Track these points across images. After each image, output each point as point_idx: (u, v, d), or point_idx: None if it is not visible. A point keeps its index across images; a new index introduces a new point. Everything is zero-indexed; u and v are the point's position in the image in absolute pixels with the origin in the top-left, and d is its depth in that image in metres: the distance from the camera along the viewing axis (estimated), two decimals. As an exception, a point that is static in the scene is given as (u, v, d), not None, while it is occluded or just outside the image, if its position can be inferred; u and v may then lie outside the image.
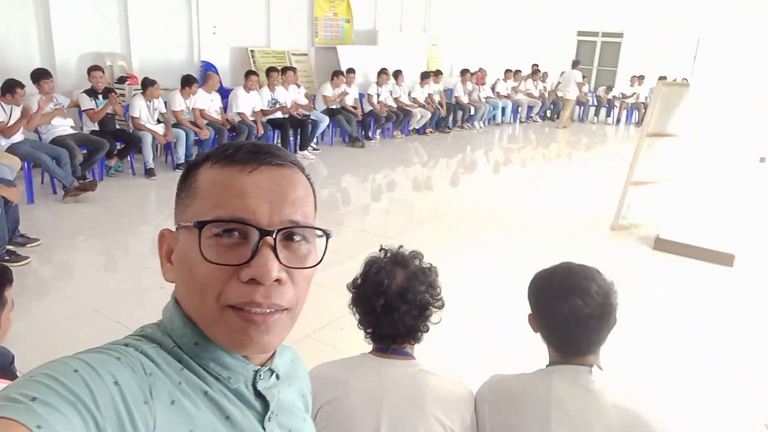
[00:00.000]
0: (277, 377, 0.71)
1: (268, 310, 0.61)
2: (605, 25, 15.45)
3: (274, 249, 0.60)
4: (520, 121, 12.61)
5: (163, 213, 5.54)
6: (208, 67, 7.88)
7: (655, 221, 4.98)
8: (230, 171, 0.62)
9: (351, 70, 8.91)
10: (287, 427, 0.70)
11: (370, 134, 9.25)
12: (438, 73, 10.71)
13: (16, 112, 5.21)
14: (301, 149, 7.85)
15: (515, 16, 14.32)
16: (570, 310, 1.28)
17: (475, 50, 12.79)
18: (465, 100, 11.01)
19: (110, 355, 0.55)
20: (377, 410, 1.28)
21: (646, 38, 14.32)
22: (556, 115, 13.03)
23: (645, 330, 3.33)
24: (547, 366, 1.38)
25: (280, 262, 0.61)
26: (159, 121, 6.53)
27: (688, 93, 4.59)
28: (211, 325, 0.62)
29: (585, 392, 1.27)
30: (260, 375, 0.67)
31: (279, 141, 7.68)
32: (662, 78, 10.09)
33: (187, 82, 6.73)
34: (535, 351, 1.50)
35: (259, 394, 0.67)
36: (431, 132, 10.43)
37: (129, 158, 6.47)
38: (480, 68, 11.57)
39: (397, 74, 9.81)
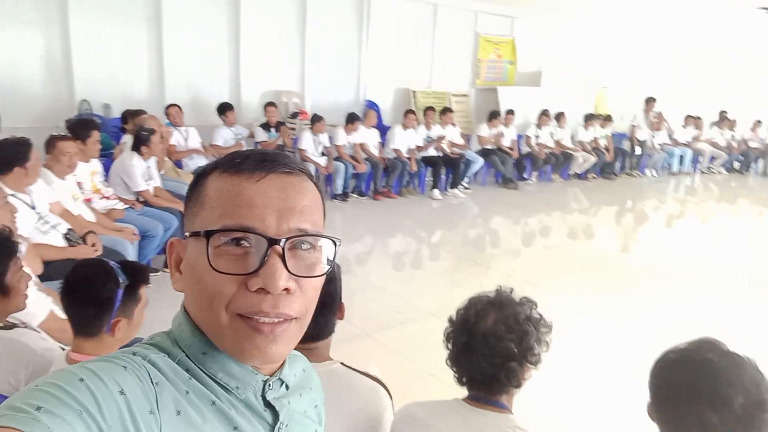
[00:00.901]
0: (287, 387, 0.70)
1: (276, 320, 0.60)
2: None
3: (282, 258, 0.60)
4: (701, 172, 11.30)
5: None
6: (371, 106, 8.28)
7: None
8: (238, 180, 0.62)
9: (510, 111, 8.75)
10: None
11: (525, 176, 8.94)
12: (607, 118, 10.07)
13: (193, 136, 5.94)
14: (452, 187, 7.82)
15: (700, 57, 13.05)
16: (698, 422, 0.97)
17: (650, 94, 11.83)
18: (649, 143, 10.18)
19: (116, 364, 0.55)
20: None
21: None
22: (745, 167, 11.46)
23: None
24: None
25: (289, 271, 0.60)
26: (323, 154, 6.98)
27: None
28: (219, 334, 0.61)
29: None
30: (269, 385, 0.66)
31: (431, 178, 7.75)
32: None
33: (350, 119, 7.14)
34: None
35: (268, 405, 0.66)
36: (594, 177, 9.77)
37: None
38: (658, 112, 10.66)
39: (560, 116, 9.42)
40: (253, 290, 0.59)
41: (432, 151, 7.79)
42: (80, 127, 4.02)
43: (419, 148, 7.70)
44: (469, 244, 6.06)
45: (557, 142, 9.34)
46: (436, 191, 7.58)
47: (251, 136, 6.81)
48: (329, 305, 1.35)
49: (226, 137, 6.43)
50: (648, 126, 10.21)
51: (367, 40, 8.42)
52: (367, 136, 7.40)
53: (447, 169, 7.79)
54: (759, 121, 12.11)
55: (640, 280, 4.83)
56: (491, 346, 1.19)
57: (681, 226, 7.56)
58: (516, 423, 1.22)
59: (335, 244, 0.66)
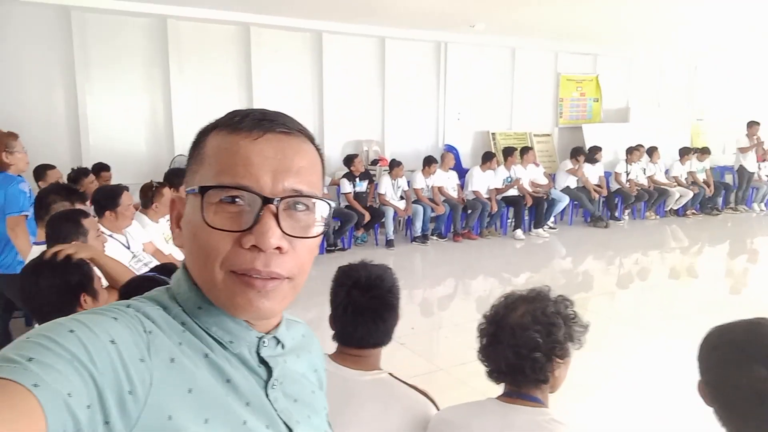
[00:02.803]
0: (283, 346, 0.70)
1: (267, 277, 0.61)
2: None
3: (276, 217, 0.60)
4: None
5: (400, 281, 5.83)
6: (449, 149, 8.35)
7: None
8: (236, 138, 0.62)
9: (596, 148, 8.46)
10: (293, 397, 0.69)
11: (616, 214, 8.50)
12: (704, 150, 9.45)
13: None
14: (535, 227, 7.60)
15: None
16: (749, 381, 0.94)
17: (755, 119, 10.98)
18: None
19: (107, 316, 0.56)
20: None
21: None
22: None
23: None
24: None
25: (283, 231, 0.60)
26: (401, 198, 7.08)
27: None
28: (214, 289, 0.62)
29: None
30: (264, 342, 0.67)
31: (513, 218, 7.59)
32: None
33: (427, 162, 7.23)
34: None
35: (263, 362, 0.67)
36: (694, 214, 9.10)
37: (374, 230, 7.08)
38: (761, 141, 9.85)
39: (652, 151, 8.96)
40: (246, 248, 0.60)
41: (513, 192, 7.66)
42: (174, 175, 4.39)
43: (499, 190, 7.60)
44: (557, 285, 5.79)
45: (650, 178, 8.86)
46: (518, 231, 7.40)
47: (334, 183, 7.06)
48: (390, 314, 1.38)
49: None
50: (753, 152, 9.41)
51: (444, 85, 8.59)
52: (444, 178, 7.44)
53: (531, 208, 7.60)
54: None
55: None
56: (517, 336, 1.19)
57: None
58: (552, 416, 1.19)
59: (330, 206, 0.66)
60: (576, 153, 8.24)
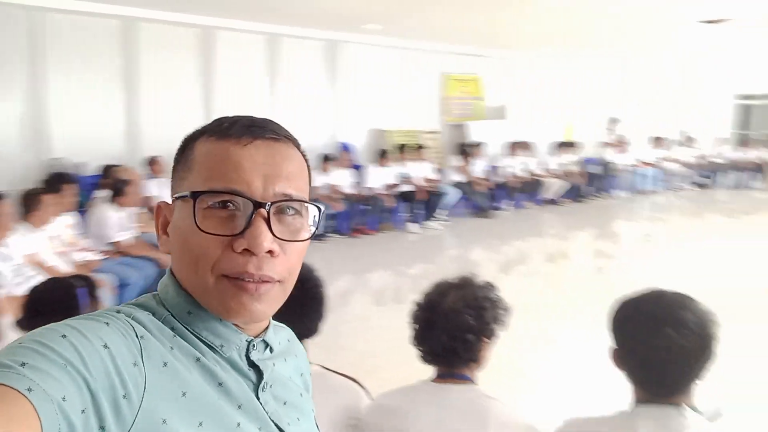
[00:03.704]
0: (271, 350, 0.71)
1: (260, 280, 0.62)
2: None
3: (267, 221, 0.61)
4: (671, 190, 11.63)
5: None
6: (344, 147, 8.48)
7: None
8: (226, 144, 0.63)
9: (477, 144, 9.03)
10: (282, 399, 0.70)
11: (499, 205, 9.14)
12: (574, 144, 10.44)
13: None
14: (428, 220, 7.97)
15: (662, 84, 13.63)
16: (662, 343, 1.12)
17: (615, 116, 12.25)
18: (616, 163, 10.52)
19: (99, 321, 0.56)
20: None
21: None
22: (712, 183, 11.87)
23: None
24: (631, 408, 1.20)
25: (273, 235, 0.61)
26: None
27: None
28: (205, 294, 0.63)
29: None
30: (253, 345, 0.67)
31: (408, 213, 7.89)
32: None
33: (324, 160, 7.31)
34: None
35: (252, 365, 0.67)
36: (566, 202, 10.02)
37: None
38: (620, 136, 11.05)
39: (528, 145, 9.74)
40: (238, 251, 0.61)
41: (406, 187, 7.97)
42: (55, 180, 4.10)
43: (394, 186, 7.87)
44: (449, 273, 6.14)
45: (528, 171, 9.62)
46: (413, 225, 7.71)
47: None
48: (312, 306, 1.42)
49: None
50: (612, 144, 10.56)
51: (335, 85, 8.70)
52: (341, 176, 7.57)
53: (423, 203, 7.95)
54: (722, 138, 12.60)
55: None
56: (451, 320, 1.29)
57: (655, 244, 7.74)
58: (483, 392, 1.30)
59: (320, 210, 0.67)
60: (463, 150, 8.76)
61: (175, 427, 0.55)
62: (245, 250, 0.60)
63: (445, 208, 8.41)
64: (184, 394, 0.57)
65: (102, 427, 0.49)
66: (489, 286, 1.39)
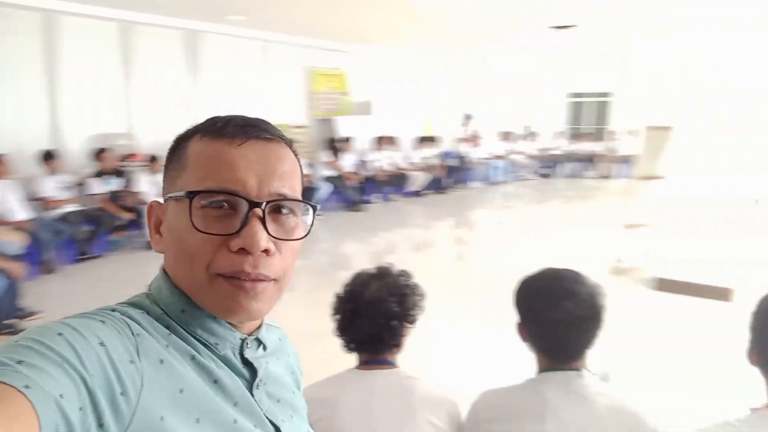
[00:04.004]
0: (264, 348, 0.72)
1: (256, 278, 0.62)
2: (595, 87, 15.99)
3: (262, 220, 0.62)
4: (518, 180, 12.82)
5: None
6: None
7: (653, 262, 4.98)
8: (220, 144, 0.64)
9: (346, 138, 9.23)
10: (276, 397, 0.71)
11: (368, 198, 9.42)
12: (434, 139, 11.06)
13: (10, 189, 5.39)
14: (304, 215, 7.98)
15: (507, 82, 14.89)
16: (561, 314, 1.28)
17: (466, 112, 13.17)
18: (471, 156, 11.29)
19: (94, 319, 0.56)
20: (368, 423, 1.29)
21: (634, 95, 14.78)
22: (552, 173, 13.32)
23: (644, 365, 3.27)
24: (537, 375, 1.36)
25: (269, 233, 0.62)
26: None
27: (672, 136, 4.74)
28: (201, 292, 0.63)
29: (578, 398, 1.26)
30: (247, 343, 0.68)
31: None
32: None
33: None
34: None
35: (246, 363, 0.68)
36: (429, 193, 10.62)
37: (133, 233, 6.58)
38: (474, 131, 11.93)
39: (394, 140, 10.13)
40: (233, 251, 0.61)
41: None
42: None
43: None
44: (325, 266, 6.26)
45: (394, 165, 10.02)
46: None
47: (81, 184, 6.32)
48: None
49: (50, 187, 5.92)
50: (466, 139, 11.40)
51: (196, 77, 8.31)
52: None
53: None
54: (559, 132, 14.14)
55: (487, 282, 5.40)
56: (375, 308, 1.36)
57: (505, 228, 8.52)
58: (406, 374, 1.39)
59: (314, 209, 0.69)
60: (333, 145, 8.89)
61: (173, 424, 0.55)
62: (241, 249, 0.61)
63: (318, 203, 8.47)
64: (181, 391, 0.57)
65: (101, 425, 0.49)
66: (406, 274, 1.47)
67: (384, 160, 9.83)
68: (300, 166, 0.71)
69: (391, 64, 11.53)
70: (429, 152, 10.79)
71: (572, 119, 16.61)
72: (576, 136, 14.21)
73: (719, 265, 4.49)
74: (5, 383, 0.44)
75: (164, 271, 0.68)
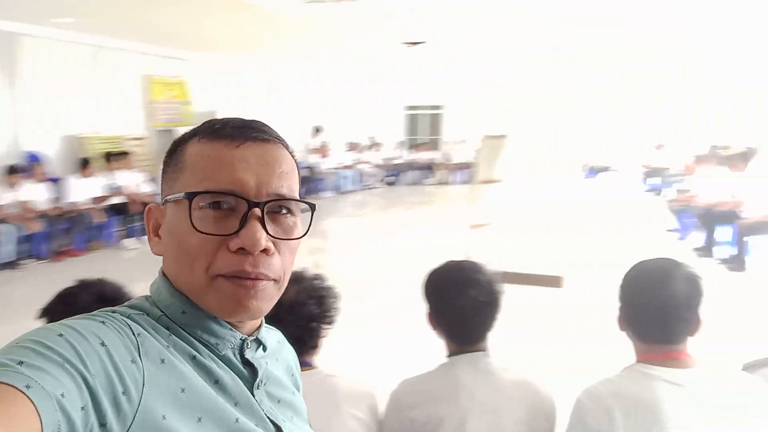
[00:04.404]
0: (264, 349, 0.72)
1: (256, 278, 0.63)
2: (429, 100, 17.20)
3: (261, 220, 0.63)
4: (365, 189, 13.30)
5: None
6: (32, 158, 7.27)
7: (496, 257, 5.56)
8: (218, 145, 0.64)
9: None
10: (276, 397, 0.72)
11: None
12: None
13: None
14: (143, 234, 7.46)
15: (347, 95, 15.37)
16: (467, 301, 1.41)
17: (316, 125, 13.36)
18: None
19: (95, 320, 0.56)
20: None
21: (466, 107, 16.21)
22: (395, 181, 14.06)
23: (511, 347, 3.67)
24: (447, 359, 1.49)
25: (268, 233, 0.63)
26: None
27: (506, 144, 5.36)
28: (202, 293, 0.63)
29: (486, 375, 1.42)
30: (247, 344, 0.68)
31: (123, 226, 7.25)
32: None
33: (9, 172, 6.18)
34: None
35: (246, 363, 0.68)
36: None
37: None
38: (323, 142, 12.14)
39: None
40: (233, 251, 0.61)
41: (117, 199, 7.30)
42: None
43: (101, 199, 7.13)
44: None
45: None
46: (129, 240, 7.13)
47: None
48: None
49: None
50: (317, 150, 11.60)
51: (14, 85, 7.37)
52: (34, 191, 6.50)
53: (138, 215, 7.40)
54: (400, 142, 14.95)
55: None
56: (296, 312, 1.38)
57: (358, 237, 8.82)
58: (326, 373, 1.45)
59: (312, 209, 0.69)
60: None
61: (175, 423, 0.55)
62: (241, 249, 0.61)
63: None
64: (182, 390, 0.58)
65: (103, 424, 0.50)
66: (321, 277, 1.51)
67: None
68: (297, 166, 0.71)
69: (236, 73, 11.29)
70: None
71: (409, 130, 17.70)
72: (414, 145, 15.12)
73: (551, 256, 5.17)
74: (6, 383, 0.44)
75: (163, 273, 0.68)
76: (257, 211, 0.63)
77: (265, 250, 0.63)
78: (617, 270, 1.44)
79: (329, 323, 1.48)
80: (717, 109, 14.16)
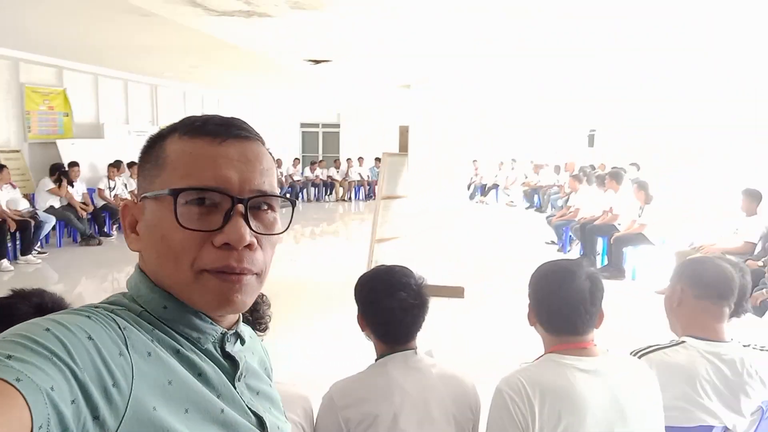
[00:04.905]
0: (242, 342, 0.73)
1: (240, 272, 0.65)
2: (325, 118, 17.37)
3: (244, 216, 0.64)
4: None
5: None
6: None
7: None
8: (200, 142, 0.65)
9: (74, 164, 8.21)
10: (255, 389, 0.73)
11: (106, 230, 8.50)
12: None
13: None
14: (23, 254, 6.80)
15: (242, 111, 15.11)
16: (397, 303, 1.49)
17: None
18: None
19: (81, 315, 0.56)
20: None
21: (360, 125, 16.55)
22: (294, 197, 13.99)
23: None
24: (377, 359, 1.56)
25: (251, 229, 0.64)
26: None
27: (407, 162, 5.58)
28: (187, 289, 0.64)
29: (416, 371, 1.50)
30: (228, 338, 0.70)
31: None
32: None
33: None
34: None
35: (227, 356, 0.69)
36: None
37: None
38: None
39: (131, 165, 9.38)
40: (217, 246, 0.62)
41: (-12, 217, 6.59)
42: None
43: (-31, 215, 6.40)
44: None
45: (132, 192, 9.26)
46: (4, 262, 6.44)
47: None
48: None
49: None
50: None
51: None
52: None
53: (13, 234, 6.72)
54: (297, 159, 14.91)
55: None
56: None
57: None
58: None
59: (293, 205, 0.72)
60: (57, 171, 7.79)
61: (164, 415, 0.56)
62: (225, 244, 0.63)
63: (41, 239, 7.32)
64: (169, 382, 0.58)
65: (96, 417, 0.50)
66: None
67: (121, 188, 9.00)
68: (275, 164, 0.74)
69: (121, 85, 10.70)
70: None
71: (306, 147, 17.75)
72: (313, 163, 15.14)
73: (456, 267, 5.44)
74: None
75: (140, 269, 0.68)
76: (241, 207, 0.64)
77: (249, 246, 0.64)
78: (510, 279, 1.59)
79: (263, 330, 1.49)
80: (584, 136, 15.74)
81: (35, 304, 1.26)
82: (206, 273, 0.63)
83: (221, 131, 0.66)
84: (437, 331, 4.46)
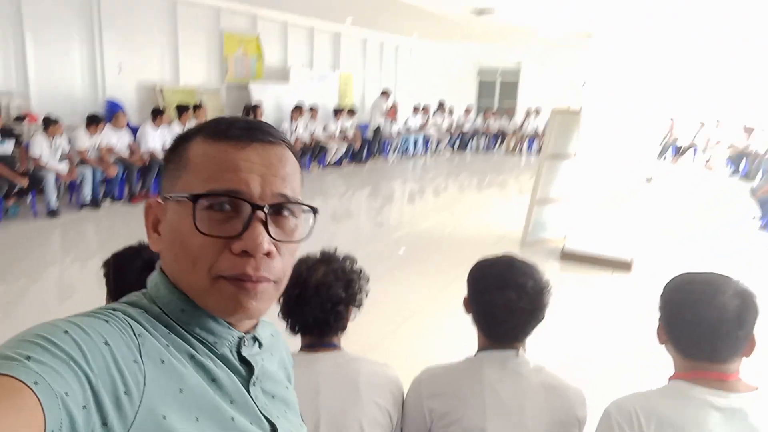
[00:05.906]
0: (260, 345, 0.72)
1: (257, 280, 0.64)
2: (504, 63, 16.59)
3: (264, 223, 0.63)
4: (431, 153, 13.14)
5: (70, 254, 5.23)
6: (113, 105, 7.63)
7: (561, 235, 5.36)
8: (223, 146, 0.64)
9: (257, 106, 8.94)
10: (271, 393, 0.72)
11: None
12: (351, 110, 11.02)
13: None
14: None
15: (421, 56, 15.07)
16: (504, 301, 1.34)
17: (384, 86, 13.26)
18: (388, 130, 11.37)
19: (99, 318, 0.57)
20: (315, 405, 1.30)
21: (541, 75, 15.53)
22: (463, 147, 13.80)
23: (554, 334, 3.56)
24: (476, 353, 1.44)
25: (270, 236, 0.63)
26: (62, 159, 6.22)
27: (580, 119, 5.07)
28: (203, 293, 0.64)
29: (514, 375, 1.35)
30: (244, 342, 0.69)
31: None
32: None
33: (93, 120, 6.49)
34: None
35: (243, 360, 0.69)
36: (347, 164, 10.63)
37: (30, 199, 6.07)
38: (393, 104, 12.01)
39: (312, 110, 9.98)
40: (236, 253, 0.62)
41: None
42: None
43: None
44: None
45: (311, 135, 9.90)
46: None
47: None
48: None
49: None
50: (384, 115, 11.47)
51: (101, 33, 7.69)
52: (114, 137, 6.84)
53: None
54: (470, 108, 14.58)
55: (411, 249, 5.54)
56: (322, 294, 1.36)
57: (421, 200, 8.76)
58: (350, 355, 1.42)
59: (314, 212, 0.69)
60: (247, 111, 8.60)
61: (174, 423, 0.56)
62: (243, 251, 0.62)
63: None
64: (181, 391, 0.58)
65: (104, 423, 0.50)
66: (352, 259, 1.47)
67: (301, 130, 9.67)
68: (300, 168, 0.72)
69: (303, 30, 11.29)
70: (347, 123, 10.75)
71: (481, 95, 17.19)
72: (486, 112, 14.67)
73: (623, 237, 4.92)
74: (15, 378, 0.45)
75: (161, 269, 0.68)
76: (260, 213, 0.63)
77: (268, 253, 0.63)
78: (693, 257, 1.31)
79: (357, 306, 1.44)
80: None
81: (147, 259, 1.33)
82: (222, 279, 0.63)
83: (245, 135, 0.65)
84: (593, 307, 4.13)
